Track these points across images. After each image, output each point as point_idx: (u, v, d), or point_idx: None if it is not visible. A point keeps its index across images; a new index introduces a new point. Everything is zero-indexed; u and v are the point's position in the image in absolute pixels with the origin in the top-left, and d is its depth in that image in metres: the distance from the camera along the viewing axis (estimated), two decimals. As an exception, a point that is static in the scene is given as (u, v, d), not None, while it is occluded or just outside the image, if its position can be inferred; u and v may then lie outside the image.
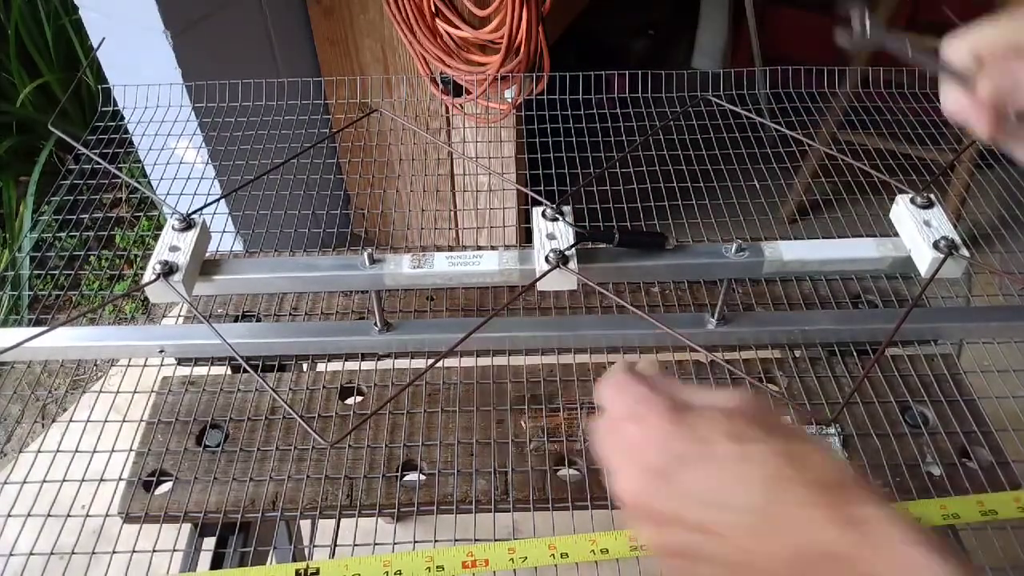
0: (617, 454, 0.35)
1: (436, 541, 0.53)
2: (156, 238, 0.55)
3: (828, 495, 0.30)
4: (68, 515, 0.56)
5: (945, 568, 0.28)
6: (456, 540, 0.53)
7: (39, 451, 0.60)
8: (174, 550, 0.55)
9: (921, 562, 0.28)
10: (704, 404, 0.35)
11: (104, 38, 0.96)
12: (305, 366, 0.68)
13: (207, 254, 0.57)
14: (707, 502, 0.32)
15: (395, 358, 0.68)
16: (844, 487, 0.31)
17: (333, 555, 0.54)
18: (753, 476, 0.31)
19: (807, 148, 1.36)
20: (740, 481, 0.31)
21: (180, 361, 0.68)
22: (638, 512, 0.33)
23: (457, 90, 1.21)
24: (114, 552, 0.53)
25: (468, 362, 0.67)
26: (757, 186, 0.80)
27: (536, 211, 0.56)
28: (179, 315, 0.75)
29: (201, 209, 0.58)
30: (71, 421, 0.63)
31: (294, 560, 0.68)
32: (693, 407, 0.34)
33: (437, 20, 1.13)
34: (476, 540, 0.53)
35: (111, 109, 0.88)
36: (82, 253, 0.77)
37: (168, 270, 0.52)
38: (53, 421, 1.39)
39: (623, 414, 0.35)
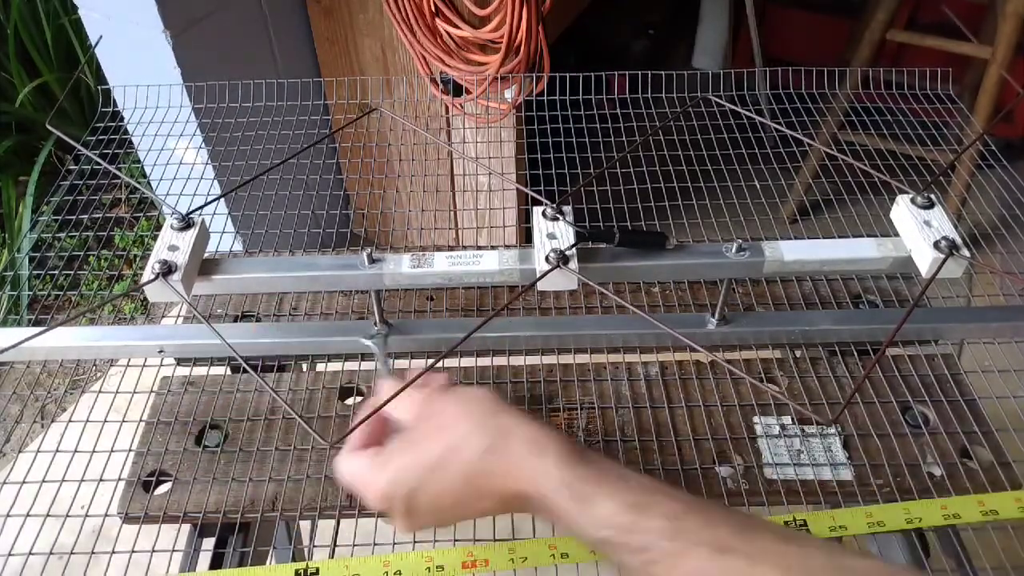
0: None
1: (436, 541, 0.53)
2: (155, 238, 0.55)
3: (491, 458, 0.42)
4: (67, 515, 0.56)
5: (558, 472, 0.41)
6: (456, 540, 0.53)
7: (38, 451, 0.60)
8: (173, 550, 0.55)
9: (539, 469, 0.41)
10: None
11: (101, 36, 0.96)
12: (305, 366, 0.68)
13: (206, 254, 0.57)
14: (436, 509, 0.44)
15: (395, 358, 0.68)
16: (498, 446, 0.42)
17: (333, 555, 0.54)
18: (456, 478, 0.43)
19: (807, 148, 1.36)
20: (447, 485, 0.43)
21: (179, 361, 0.68)
22: (411, 531, 0.48)
23: (457, 90, 1.21)
24: (113, 552, 0.53)
25: (468, 362, 0.67)
26: (757, 186, 0.80)
27: (536, 211, 0.56)
28: (178, 315, 0.74)
29: (200, 209, 0.57)
30: (70, 421, 0.63)
31: (294, 560, 0.68)
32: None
33: (437, 20, 1.13)
34: (476, 540, 0.53)
35: (111, 110, 0.88)
36: (81, 253, 0.77)
37: (167, 269, 0.52)
38: (52, 421, 1.39)
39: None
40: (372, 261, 0.57)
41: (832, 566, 0.36)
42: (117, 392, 0.65)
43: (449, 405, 0.45)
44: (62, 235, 0.80)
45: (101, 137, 0.85)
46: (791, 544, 0.38)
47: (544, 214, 0.55)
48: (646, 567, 0.39)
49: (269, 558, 0.60)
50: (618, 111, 0.88)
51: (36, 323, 1.37)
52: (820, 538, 0.38)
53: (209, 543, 0.58)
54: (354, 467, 0.45)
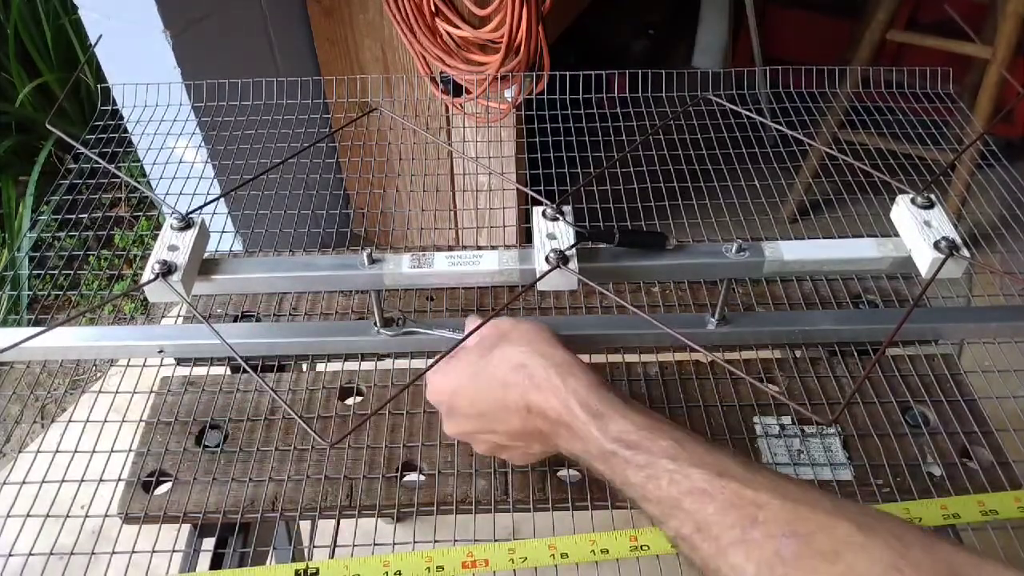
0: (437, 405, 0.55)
1: (436, 541, 0.53)
2: (155, 238, 0.55)
3: (521, 373, 0.48)
4: (67, 515, 0.56)
5: (580, 390, 0.45)
6: (456, 540, 0.53)
7: (38, 451, 0.60)
8: (173, 550, 0.55)
9: (562, 386, 0.46)
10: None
11: (101, 35, 0.96)
12: (305, 366, 0.68)
13: (206, 254, 0.57)
14: (470, 414, 0.52)
15: (395, 358, 0.68)
16: (528, 364, 0.48)
17: (333, 555, 0.54)
18: (489, 386, 0.49)
19: (807, 148, 1.36)
20: (480, 392, 0.50)
21: (179, 361, 0.68)
22: (452, 433, 0.54)
23: (457, 89, 1.21)
24: (113, 552, 0.53)
25: (468, 362, 0.67)
26: (757, 186, 0.80)
27: (536, 211, 0.56)
28: (178, 315, 0.74)
29: (200, 208, 0.57)
30: (70, 421, 0.63)
31: (294, 560, 0.68)
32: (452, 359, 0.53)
33: (437, 19, 1.13)
34: (476, 540, 0.53)
35: (110, 108, 0.88)
36: (81, 253, 0.77)
37: (167, 269, 0.52)
38: (52, 421, 1.39)
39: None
40: (372, 261, 0.57)
41: (829, 501, 0.38)
42: (117, 392, 0.65)
43: (506, 330, 0.51)
44: (62, 235, 0.79)
45: (100, 136, 0.85)
46: (790, 481, 0.40)
47: (544, 214, 0.55)
48: (648, 482, 0.42)
49: (269, 558, 0.60)
50: (618, 110, 0.88)
51: (36, 323, 1.37)
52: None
53: (209, 543, 0.58)
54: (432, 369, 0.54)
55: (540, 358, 0.48)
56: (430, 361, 0.52)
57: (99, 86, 0.91)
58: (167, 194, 0.79)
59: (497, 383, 0.49)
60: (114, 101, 0.88)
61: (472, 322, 0.58)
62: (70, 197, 0.80)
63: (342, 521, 0.57)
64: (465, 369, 0.51)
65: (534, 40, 1.02)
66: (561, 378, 0.46)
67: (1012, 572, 0.33)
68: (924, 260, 0.52)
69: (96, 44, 0.96)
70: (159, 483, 0.60)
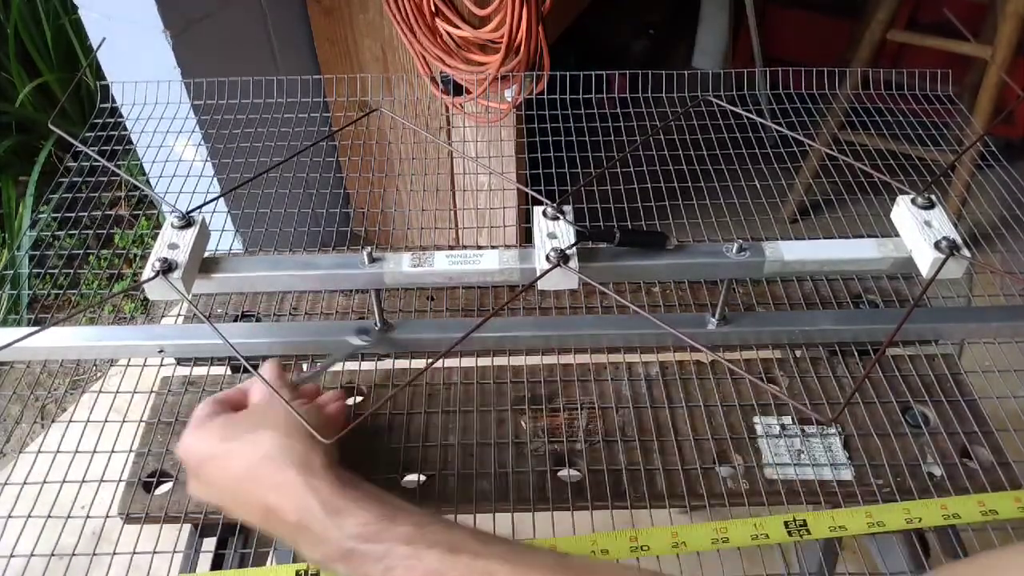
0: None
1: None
2: (155, 237, 0.55)
3: (267, 467, 0.45)
4: (68, 516, 0.56)
5: (320, 487, 0.43)
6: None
7: (39, 452, 0.60)
8: (174, 551, 0.55)
9: (302, 483, 0.43)
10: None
11: (104, 38, 0.96)
12: (305, 366, 0.68)
13: (206, 253, 0.57)
14: (215, 488, 0.48)
15: (395, 358, 0.68)
16: (276, 458, 0.45)
17: (333, 555, 0.54)
18: (233, 470, 0.46)
19: (808, 148, 1.36)
20: (225, 472, 0.47)
21: (180, 361, 0.68)
22: (195, 496, 0.50)
23: (457, 89, 1.21)
24: (114, 553, 0.53)
25: (468, 362, 0.67)
26: (758, 186, 0.80)
27: (537, 210, 0.56)
28: (179, 315, 0.74)
29: (200, 207, 0.57)
30: (71, 421, 0.63)
31: (294, 561, 0.68)
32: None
33: (437, 19, 1.13)
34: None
35: (110, 106, 0.87)
36: (81, 252, 0.77)
37: (167, 267, 0.52)
38: (53, 421, 1.39)
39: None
40: (372, 260, 0.57)
41: (555, 561, 0.39)
42: (117, 392, 0.65)
43: (281, 409, 0.47)
44: (62, 234, 0.79)
45: (100, 134, 0.85)
46: (527, 550, 0.41)
47: (544, 213, 0.55)
48: (386, 574, 0.40)
49: (270, 558, 0.60)
50: (618, 111, 0.88)
51: (36, 323, 1.37)
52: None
53: (210, 544, 0.58)
54: (195, 412, 0.50)
55: (288, 453, 0.45)
56: (430, 361, 0.52)
57: (98, 83, 0.91)
58: (167, 193, 0.79)
59: (244, 469, 0.46)
60: (113, 99, 0.88)
61: (266, 370, 0.53)
62: (70, 196, 0.80)
63: (342, 521, 0.57)
64: (221, 440, 0.47)
65: (534, 40, 1.02)
66: (304, 477, 0.44)
67: None
68: (924, 260, 0.52)
69: (99, 47, 0.96)
70: (160, 483, 0.60)
